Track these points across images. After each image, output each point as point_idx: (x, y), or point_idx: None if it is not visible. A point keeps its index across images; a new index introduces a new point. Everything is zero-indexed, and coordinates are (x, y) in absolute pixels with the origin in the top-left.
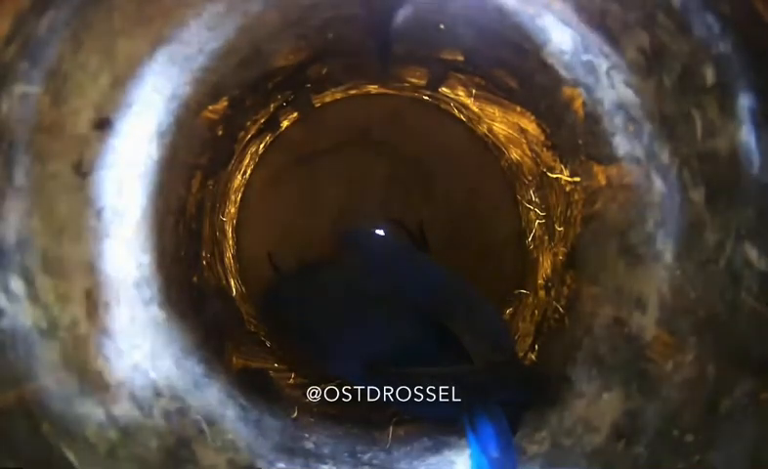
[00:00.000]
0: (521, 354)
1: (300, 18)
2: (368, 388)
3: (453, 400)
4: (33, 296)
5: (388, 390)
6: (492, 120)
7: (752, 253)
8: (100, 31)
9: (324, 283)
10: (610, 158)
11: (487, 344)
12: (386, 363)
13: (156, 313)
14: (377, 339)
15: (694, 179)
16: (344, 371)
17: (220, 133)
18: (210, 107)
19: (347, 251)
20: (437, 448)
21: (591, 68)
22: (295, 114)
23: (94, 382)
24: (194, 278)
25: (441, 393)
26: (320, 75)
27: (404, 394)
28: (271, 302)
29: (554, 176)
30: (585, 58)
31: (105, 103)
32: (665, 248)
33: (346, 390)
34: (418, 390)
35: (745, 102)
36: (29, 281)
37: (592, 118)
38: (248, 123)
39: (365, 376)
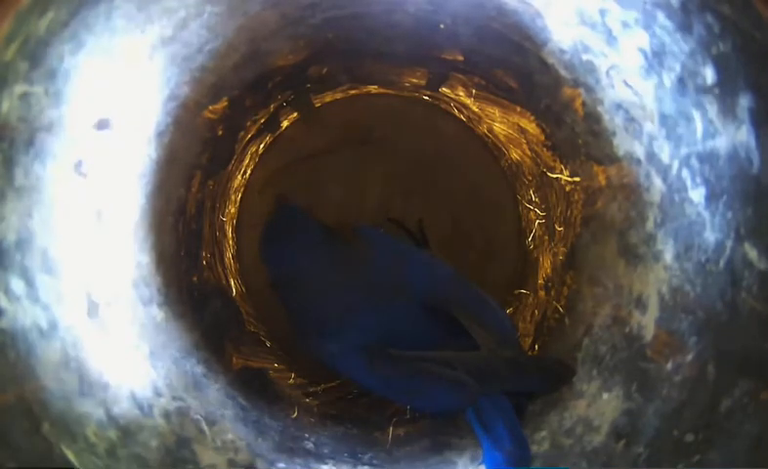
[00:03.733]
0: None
1: (300, 17)
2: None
3: (464, 383)
4: (33, 296)
5: (390, 378)
6: (492, 120)
7: (752, 253)
8: (100, 31)
9: (331, 259)
10: (610, 158)
11: (494, 337)
12: (388, 347)
13: (156, 313)
14: (378, 325)
15: (694, 179)
16: (346, 366)
17: (220, 133)
18: (210, 107)
19: (359, 243)
20: (437, 449)
21: (591, 68)
22: (295, 114)
23: (94, 382)
24: (194, 278)
25: (452, 376)
26: (321, 75)
27: (406, 383)
28: (271, 237)
29: (554, 176)
30: (585, 58)
31: (105, 103)
32: (665, 248)
33: (346, 389)
34: (427, 373)
35: (745, 102)
36: (29, 281)
37: (592, 118)
38: (248, 123)
39: (369, 367)
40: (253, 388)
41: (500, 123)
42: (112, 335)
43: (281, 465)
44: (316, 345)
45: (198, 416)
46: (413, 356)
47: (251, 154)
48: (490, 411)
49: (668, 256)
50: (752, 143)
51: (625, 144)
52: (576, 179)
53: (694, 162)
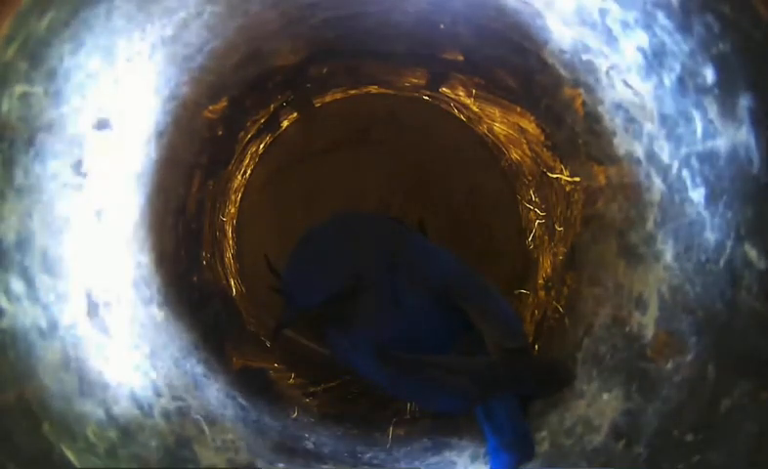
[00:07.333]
0: None
1: (300, 17)
2: (375, 380)
3: (466, 390)
4: (33, 296)
5: (396, 377)
6: (492, 120)
7: (752, 253)
8: (100, 31)
9: (336, 269)
10: (610, 158)
11: (501, 329)
12: (399, 351)
13: (156, 313)
14: (390, 323)
15: (694, 179)
16: (357, 361)
17: (220, 133)
18: (210, 107)
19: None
20: (437, 449)
21: (591, 68)
22: (295, 114)
23: (94, 382)
24: (194, 278)
25: (454, 383)
26: (321, 75)
27: (416, 384)
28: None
29: (554, 176)
30: (585, 58)
31: (105, 103)
32: (665, 248)
33: (346, 389)
34: (431, 379)
35: (745, 102)
36: (29, 281)
37: (592, 118)
38: (248, 123)
39: (378, 364)
40: (253, 388)
41: (500, 123)
42: (112, 335)
43: (281, 465)
44: (328, 337)
45: (198, 416)
46: (420, 360)
47: (251, 154)
48: (497, 404)
49: (668, 256)
50: (752, 143)
51: (625, 144)
52: (576, 179)
53: (694, 162)
